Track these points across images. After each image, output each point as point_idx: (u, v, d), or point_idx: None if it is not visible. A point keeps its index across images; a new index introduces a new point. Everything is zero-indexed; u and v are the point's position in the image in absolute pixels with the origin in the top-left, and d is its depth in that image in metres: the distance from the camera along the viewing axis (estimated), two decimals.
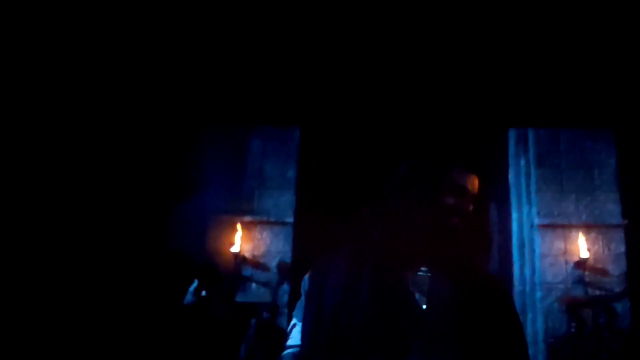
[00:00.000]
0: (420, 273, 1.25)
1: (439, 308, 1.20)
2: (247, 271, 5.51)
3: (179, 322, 2.59)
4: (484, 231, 1.46)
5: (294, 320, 1.26)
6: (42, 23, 3.33)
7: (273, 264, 5.53)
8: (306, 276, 1.30)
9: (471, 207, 1.28)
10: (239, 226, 5.49)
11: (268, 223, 5.61)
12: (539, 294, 5.31)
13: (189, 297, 2.69)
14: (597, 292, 5.16)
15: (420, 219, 1.24)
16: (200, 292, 2.73)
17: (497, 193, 5.81)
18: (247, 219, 5.58)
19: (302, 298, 1.27)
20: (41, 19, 3.31)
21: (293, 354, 1.22)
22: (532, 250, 5.45)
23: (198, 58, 4.00)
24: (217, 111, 4.80)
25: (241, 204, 5.64)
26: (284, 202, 5.67)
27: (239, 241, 5.45)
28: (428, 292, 1.21)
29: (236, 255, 5.41)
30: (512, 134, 5.88)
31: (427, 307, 1.20)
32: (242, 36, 3.90)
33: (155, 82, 4.02)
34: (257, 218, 5.61)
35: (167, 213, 4.65)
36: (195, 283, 2.75)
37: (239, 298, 5.42)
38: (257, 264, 5.55)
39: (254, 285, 5.50)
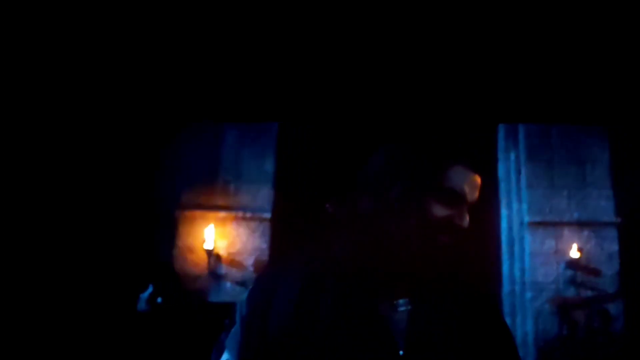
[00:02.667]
0: (400, 308, 0.92)
1: (421, 353, 0.89)
2: (221, 269, 5.20)
3: (130, 331, 2.27)
4: (481, 248, 1.10)
5: (225, 355, 0.94)
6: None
7: (249, 261, 5.23)
8: (245, 295, 0.97)
9: (467, 220, 0.94)
10: (212, 222, 5.17)
11: (244, 219, 5.30)
12: (529, 295, 5.07)
13: (142, 305, 2.36)
14: (590, 293, 4.93)
15: (399, 234, 0.91)
16: (156, 299, 2.39)
17: (485, 189, 5.56)
18: (222, 214, 5.26)
19: (237, 326, 0.94)
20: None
21: None
22: (522, 249, 5.21)
23: (172, 54, 3.81)
24: (191, 108, 4.57)
25: (216, 198, 5.32)
26: (261, 196, 5.37)
27: (213, 238, 5.13)
28: (407, 332, 0.90)
29: (209, 252, 5.10)
30: (501, 127, 5.63)
31: (404, 352, 0.89)
32: (216, 31, 3.71)
33: (126, 77, 3.79)
34: (233, 213, 5.29)
35: (129, 207, 4.31)
36: (150, 289, 2.41)
37: (212, 298, 5.11)
38: (232, 262, 5.24)
39: (228, 284, 5.19)
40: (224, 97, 4.33)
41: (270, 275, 0.99)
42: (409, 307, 0.92)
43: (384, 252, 0.92)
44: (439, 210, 0.93)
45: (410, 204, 0.92)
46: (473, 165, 0.99)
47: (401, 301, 0.92)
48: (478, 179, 0.99)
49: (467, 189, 0.96)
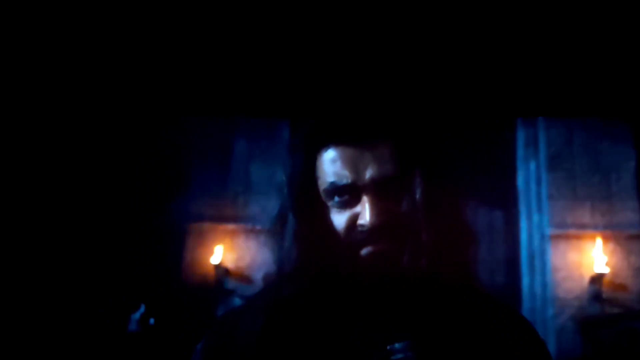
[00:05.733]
0: (397, 356, 0.69)
1: None
2: (230, 284, 5.05)
3: (119, 355, 2.12)
4: (458, 237, 0.81)
5: None
6: None
7: (259, 276, 5.05)
8: (198, 346, 0.78)
9: (375, 213, 0.70)
10: (221, 234, 5.03)
11: (254, 231, 5.14)
12: (550, 312, 4.82)
13: (132, 326, 2.22)
14: (616, 310, 4.67)
15: (319, 259, 0.73)
16: (148, 320, 2.25)
17: (504, 200, 5.34)
18: (231, 226, 5.11)
19: None
20: None
21: None
22: (543, 263, 4.96)
23: (180, 47, 3.71)
24: (200, 103, 4.47)
25: (224, 210, 5.18)
26: (271, 208, 5.17)
27: (221, 251, 4.99)
28: None
29: (217, 266, 4.95)
30: (520, 135, 5.41)
31: None
32: (225, 24, 3.61)
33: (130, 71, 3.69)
34: (242, 225, 5.13)
35: (132, 219, 4.19)
36: (142, 309, 2.26)
37: (221, 313, 4.97)
38: (241, 276, 5.08)
39: (237, 299, 5.03)
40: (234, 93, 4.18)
41: (227, 319, 0.83)
42: (409, 353, 0.70)
43: (330, 286, 0.73)
44: (336, 216, 0.73)
45: (308, 220, 0.75)
46: (344, 137, 0.74)
47: (397, 345, 0.70)
48: (360, 151, 0.72)
49: (347, 171, 0.72)
